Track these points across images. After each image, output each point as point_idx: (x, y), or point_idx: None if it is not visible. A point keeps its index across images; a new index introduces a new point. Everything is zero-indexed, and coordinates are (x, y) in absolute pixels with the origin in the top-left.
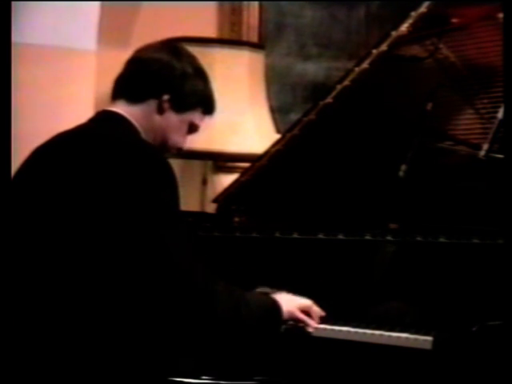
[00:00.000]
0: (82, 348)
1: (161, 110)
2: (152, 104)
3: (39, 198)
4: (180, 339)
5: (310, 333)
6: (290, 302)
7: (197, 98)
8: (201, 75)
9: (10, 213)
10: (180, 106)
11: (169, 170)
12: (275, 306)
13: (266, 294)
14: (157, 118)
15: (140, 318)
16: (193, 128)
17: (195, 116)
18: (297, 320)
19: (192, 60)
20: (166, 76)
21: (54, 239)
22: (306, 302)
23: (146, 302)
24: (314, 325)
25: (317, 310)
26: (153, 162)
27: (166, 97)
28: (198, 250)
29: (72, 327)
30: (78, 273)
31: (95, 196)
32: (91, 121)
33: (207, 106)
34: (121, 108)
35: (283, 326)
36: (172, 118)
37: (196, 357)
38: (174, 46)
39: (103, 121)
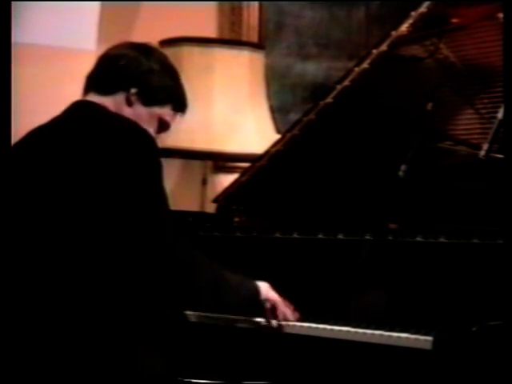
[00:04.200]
0: (79, 337)
1: (129, 103)
2: (121, 96)
3: (26, 191)
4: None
5: (279, 328)
6: (268, 291)
7: (165, 93)
8: (170, 72)
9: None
10: (148, 100)
11: (152, 142)
12: (254, 291)
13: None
14: (126, 109)
15: (125, 292)
16: (164, 125)
17: (164, 112)
18: (269, 310)
19: (161, 58)
20: (133, 70)
21: (45, 222)
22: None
23: (128, 273)
24: (282, 319)
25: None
26: (136, 135)
27: (133, 90)
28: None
29: (66, 313)
30: (68, 257)
31: (80, 179)
32: (66, 110)
33: (177, 103)
34: (93, 98)
35: (273, 322)
36: (141, 111)
37: (201, 357)
38: (143, 45)
39: (78, 108)
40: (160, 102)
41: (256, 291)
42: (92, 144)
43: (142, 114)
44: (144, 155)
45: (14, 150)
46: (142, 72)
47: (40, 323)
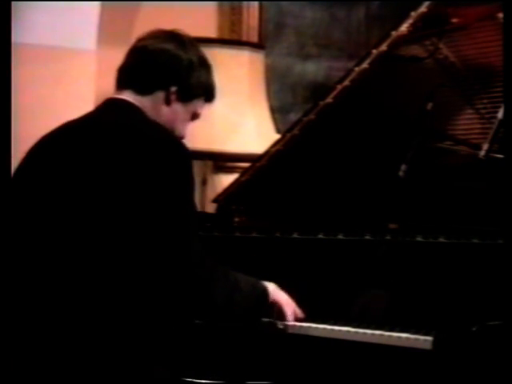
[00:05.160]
0: (88, 338)
1: (168, 102)
2: (159, 95)
3: (50, 187)
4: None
5: (284, 328)
6: (275, 292)
7: (201, 88)
8: (205, 65)
9: (13, 207)
10: (186, 97)
11: (188, 156)
12: (264, 294)
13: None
14: (164, 108)
15: (143, 302)
16: (195, 116)
17: (198, 105)
18: (276, 311)
19: (196, 49)
20: (174, 68)
21: (67, 221)
22: (287, 298)
23: (150, 285)
24: (290, 320)
25: (296, 310)
26: (172, 147)
27: (173, 88)
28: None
29: (77, 316)
30: (86, 260)
31: (108, 183)
32: (100, 109)
33: (210, 94)
34: (129, 97)
35: (279, 323)
36: (178, 109)
37: (203, 358)
38: (178, 36)
39: (113, 107)
40: (196, 97)
41: (265, 295)
42: (125, 153)
43: (179, 112)
44: (178, 169)
45: (41, 144)
46: (182, 69)
47: (53, 327)
